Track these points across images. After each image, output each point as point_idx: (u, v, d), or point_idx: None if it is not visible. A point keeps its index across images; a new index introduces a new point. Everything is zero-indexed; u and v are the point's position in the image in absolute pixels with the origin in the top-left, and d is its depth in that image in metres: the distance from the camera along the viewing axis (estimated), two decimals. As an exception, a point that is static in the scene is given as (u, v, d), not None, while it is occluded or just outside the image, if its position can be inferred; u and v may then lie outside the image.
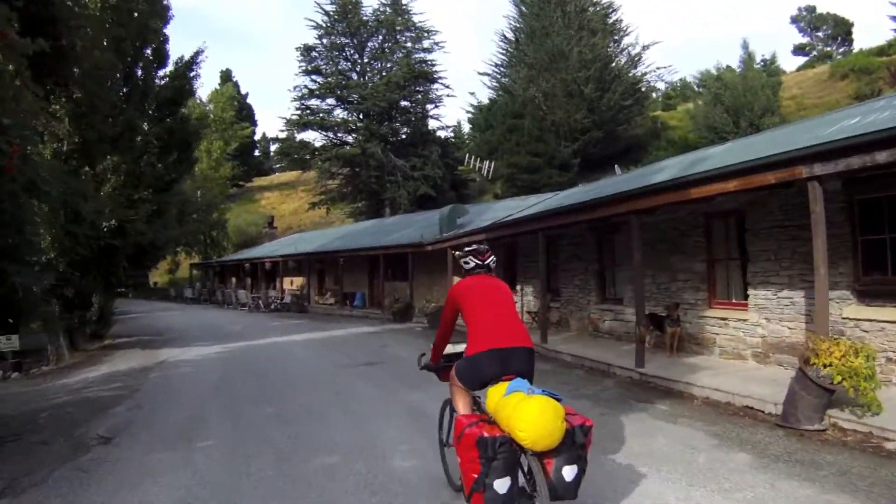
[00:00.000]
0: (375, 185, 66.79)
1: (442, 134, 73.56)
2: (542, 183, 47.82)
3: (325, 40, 71.53)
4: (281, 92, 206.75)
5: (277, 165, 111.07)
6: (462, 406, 5.92)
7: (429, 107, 71.97)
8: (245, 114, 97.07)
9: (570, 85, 53.13)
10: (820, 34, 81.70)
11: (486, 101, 67.92)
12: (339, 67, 72.49)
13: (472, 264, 6.27)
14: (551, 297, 24.11)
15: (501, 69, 68.27)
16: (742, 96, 45.42)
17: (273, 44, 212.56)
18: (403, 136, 71.01)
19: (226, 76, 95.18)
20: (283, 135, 73.87)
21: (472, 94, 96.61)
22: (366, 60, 73.28)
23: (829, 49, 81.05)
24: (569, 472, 4.88)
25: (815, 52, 79.61)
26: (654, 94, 70.75)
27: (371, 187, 67.29)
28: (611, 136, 55.36)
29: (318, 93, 71.45)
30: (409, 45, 72.04)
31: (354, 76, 71.98)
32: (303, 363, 19.40)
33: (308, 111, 71.40)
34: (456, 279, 21.66)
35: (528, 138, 50.45)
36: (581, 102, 52.83)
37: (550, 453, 4.87)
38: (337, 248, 42.33)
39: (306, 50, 72.14)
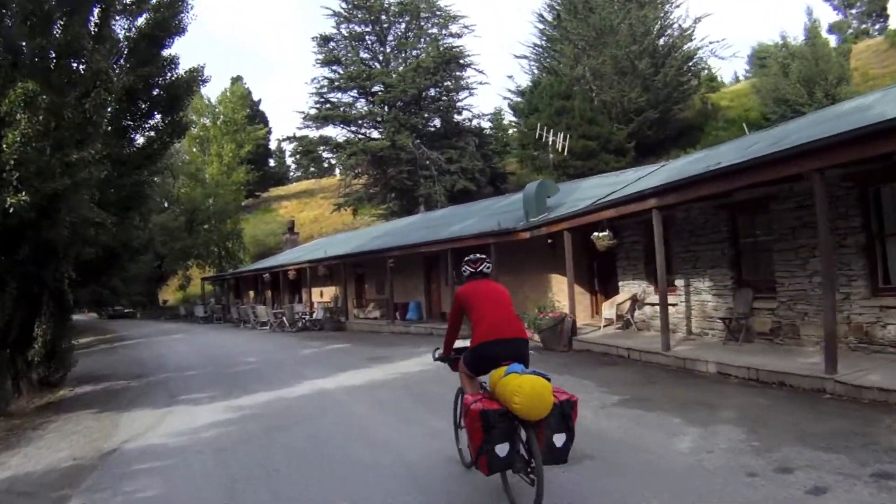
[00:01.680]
0: (408, 181, 57.18)
1: (477, 123, 64.18)
2: (597, 170, 40.30)
3: (343, 29, 62.73)
4: (295, 102, 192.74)
5: (294, 167, 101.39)
6: (469, 389, 6.73)
7: (461, 95, 63.11)
8: (258, 121, 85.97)
9: (622, 61, 46.36)
10: (853, 11, 76.56)
11: (525, 85, 58.82)
12: (360, 57, 63.19)
13: (469, 272, 7.03)
14: (754, 293, 15.28)
15: (541, 49, 59.74)
16: (814, 65, 40.62)
17: (286, 55, 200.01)
18: (435, 128, 62.15)
19: (236, 80, 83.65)
20: (300, 133, 62.66)
21: (509, 77, 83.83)
22: (388, 50, 64.15)
23: (865, 26, 75.93)
24: (559, 440, 5.63)
25: (850, 30, 72.81)
26: (708, 70, 62.26)
27: (403, 184, 57.61)
28: (665, 118, 48.61)
29: (338, 84, 61.80)
30: (434, 30, 63.15)
31: (377, 66, 62.61)
32: (395, 455, 8.86)
33: (328, 105, 60.73)
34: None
35: (580, 120, 44.03)
36: (634, 80, 46.28)
37: (542, 424, 5.60)
38: (381, 246, 31.82)
39: (323, 40, 63.16)
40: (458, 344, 7.35)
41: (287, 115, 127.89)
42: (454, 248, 25.81)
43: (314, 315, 34.77)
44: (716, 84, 67.62)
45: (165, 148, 20.35)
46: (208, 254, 63.54)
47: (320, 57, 62.75)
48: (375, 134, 60.94)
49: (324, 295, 40.10)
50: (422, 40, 63.17)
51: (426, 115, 60.99)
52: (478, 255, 7.11)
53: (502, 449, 5.60)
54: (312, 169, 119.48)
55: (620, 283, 21.21)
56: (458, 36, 62.69)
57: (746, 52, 72.77)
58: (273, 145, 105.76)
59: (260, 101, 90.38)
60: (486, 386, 6.49)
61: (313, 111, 61.61)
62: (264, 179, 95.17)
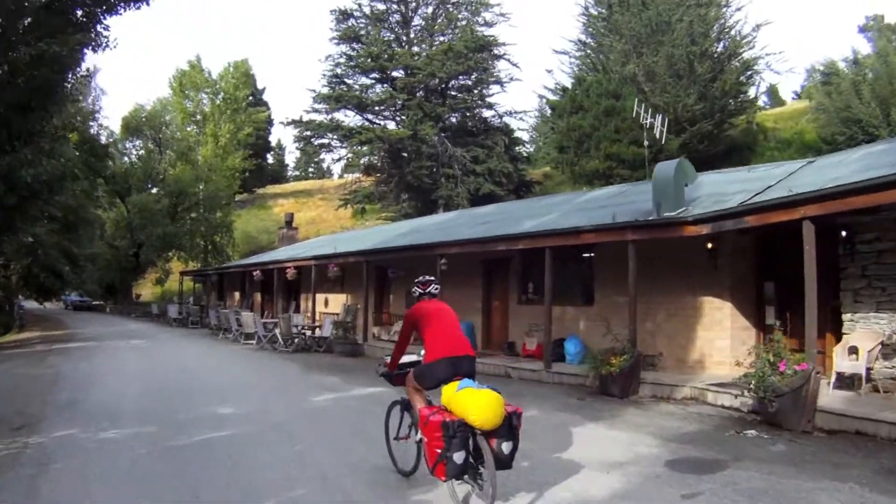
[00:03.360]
0: (428, 178, 47.95)
1: (507, 122, 54.57)
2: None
3: (364, 6, 53.69)
4: (299, 98, 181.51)
5: (292, 165, 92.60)
6: (420, 402, 6.90)
7: (492, 89, 53.87)
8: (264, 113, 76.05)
9: (678, 62, 38.84)
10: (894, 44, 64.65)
11: (565, 82, 49.66)
12: (382, 37, 54.08)
13: (418, 292, 7.35)
14: None
15: (586, 44, 50.33)
16: (888, 84, 33.93)
17: (293, 45, 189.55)
18: (461, 122, 53.12)
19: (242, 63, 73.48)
20: (307, 117, 52.77)
21: (548, 72, 72.31)
22: (412, 35, 55.36)
23: (905, 58, 64.77)
24: (506, 447, 6.04)
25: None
26: (761, 84, 51.77)
27: (422, 182, 48.16)
28: (717, 132, 40.28)
29: (357, 63, 52.81)
30: (465, 16, 54.25)
31: (400, 49, 53.45)
32: None
33: (342, 85, 50.86)
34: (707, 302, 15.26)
35: (631, 123, 35.85)
36: (690, 85, 38.81)
37: (493, 433, 5.98)
38: (425, 241, 22.91)
39: (342, 15, 53.67)
40: (403, 359, 7.51)
41: (291, 108, 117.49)
42: (557, 247, 16.78)
43: (320, 331, 24.49)
44: (757, 104, 57.89)
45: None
46: (192, 246, 54.13)
47: (337, 33, 53.06)
48: (392, 126, 52.04)
49: (329, 304, 30.18)
50: (451, 26, 54.53)
51: (452, 107, 51.75)
52: (427, 277, 7.44)
53: (459, 457, 5.88)
54: (311, 169, 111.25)
55: (850, 317, 12.80)
56: (491, 25, 54.03)
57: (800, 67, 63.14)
58: (273, 140, 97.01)
59: (264, 89, 79.97)
60: (430, 399, 6.81)
61: (326, 90, 51.83)
62: (261, 175, 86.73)
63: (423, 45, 54.66)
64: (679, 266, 15.59)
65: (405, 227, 31.63)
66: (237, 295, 41.63)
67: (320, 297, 30.17)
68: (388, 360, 7.71)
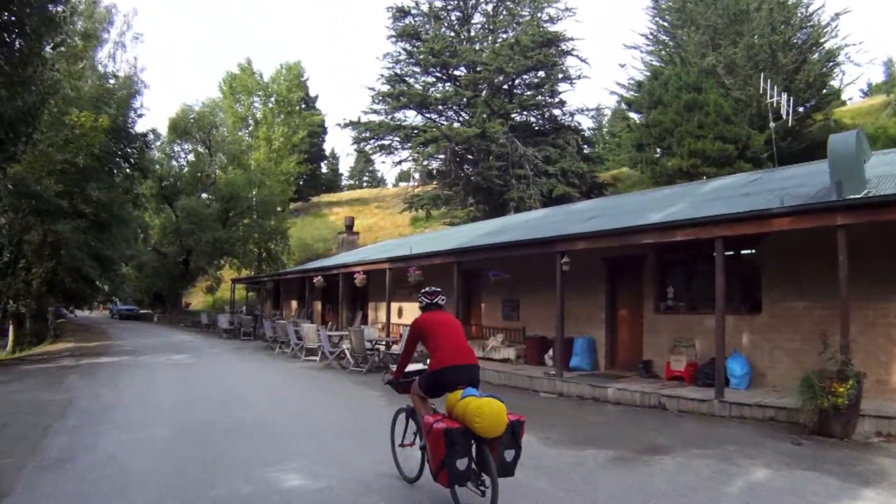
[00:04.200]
0: (498, 180, 43.76)
1: (578, 121, 53.25)
2: (734, 181, 27.02)
3: (421, 3, 50.10)
4: (354, 107, 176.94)
5: (347, 174, 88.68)
6: (424, 410, 6.94)
7: (561, 86, 49.49)
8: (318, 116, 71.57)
9: (759, 53, 36.19)
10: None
11: (638, 78, 46.26)
12: (442, 33, 50.19)
13: (425, 303, 7.10)
14: None
15: (659, 37, 46.79)
16: None
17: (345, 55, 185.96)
18: (530, 121, 49.49)
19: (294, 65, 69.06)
20: (365, 118, 48.51)
21: (622, 66, 66.67)
22: (472, 33, 51.32)
23: None
24: (509, 455, 5.97)
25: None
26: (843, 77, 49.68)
27: (492, 184, 43.98)
28: (799, 128, 37.04)
29: (418, 59, 49.21)
30: (527, 12, 50.04)
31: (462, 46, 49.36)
32: None
33: (403, 84, 46.63)
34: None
35: (715, 117, 33.48)
36: (774, 77, 34.50)
37: (496, 441, 5.90)
38: (540, 237, 17.55)
39: (399, 12, 50.11)
40: (408, 368, 7.50)
41: (345, 115, 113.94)
42: (725, 238, 12.27)
43: (398, 346, 19.74)
44: (841, 97, 52.49)
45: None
46: (245, 253, 49.78)
47: (395, 31, 48.84)
48: (456, 125, 47.85)
49: (404, 314, 25.49)
50: (513, 22, 50.41)
51: (521, 104, 47.49)
52: (433, 289, 7.21)
53: (462, 463, 5.84)
54: (366, 178, 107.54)
55: None
56: (555, 21, 49.76)
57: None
58: (327, 149, 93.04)
59: (317, 97, 75.87)
60: (435, 407, 6.84)
61: (385, 88, 47.56)
62: (315, 183, 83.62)
63: (485, 43, 50.63)
64: (872, 263, 11.51)
65: (489, 226, 26.84)
66: (294, 304, 37.04)
67: (394, 305, 25.40)
68: (395, 368, 7.63)
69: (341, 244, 41.51)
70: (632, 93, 45.25)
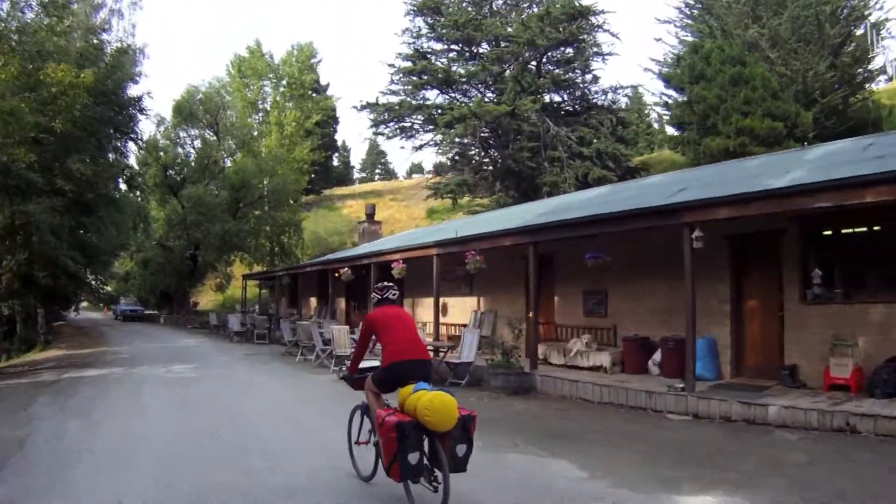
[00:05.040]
0: (530, 162, 39.56)
1: (613, 99, 45.65)
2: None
3: None
4: (367, 94, 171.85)
5: (359, 167, 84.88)
6: (377, 404, 6.63)
7: (593, 64, 44.95)
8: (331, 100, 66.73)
9: (804, 24, 33.17)
10: None
11: (675, 53, 42.71)
12: (465, 7, 45.35)
13: (377, 298, 7.11)
14: None
15: (693, 10, 42.80)
16: None
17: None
18: (563, 100, 45.08)
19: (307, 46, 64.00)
20: (384, 99, 44.14)
21: (657, 40, 60.54)
22: (496, 7, 46.46)
23: None
24: (461, 450, 5.89)
25: None
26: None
27: (524, 166, 39.72)
28: (843, 106, 33.70)
29: (440, 33, 44.34)
30: None
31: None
32: None
33: (424, 60, 42.39)
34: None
35: (763, 93, 30.17)
36: (820, 51, 33.03)
37: (447, 436, 5.80)
38: (661, 204, 13.01)
39: None
40: (363, 364, 7.37)
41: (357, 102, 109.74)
42: None
43: (456, 353, 15.30)
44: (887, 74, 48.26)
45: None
46: (257, 247, 45.57)
47: (414, 4, 44.17)
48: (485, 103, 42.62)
49: (449, 312, 21.03)
50: (538, -2, 45.35)
51: (554, 81, 42.88)
52: (385, 284, 7.24)
53: (414, 457, 5.75)
54: (378, 170, 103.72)
55: None
56: None
57: None
58: (339, 141, 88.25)
59: (328, 85, 70.69)
60: (388, 402, 6.63)
61: (407, 66, 43.01)
62: (327, 176, 78.90)
63: (510, 17, 46.05)
64: None
65: (545, 206, 22.33)
66: (314, 301, 32.58)
67: (443, 301, 21.05)
68: (350, 363, 7.56)
69: (362, 234, 37.31)
70: (668, 69, 41.13)
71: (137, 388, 15.03)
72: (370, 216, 37.66)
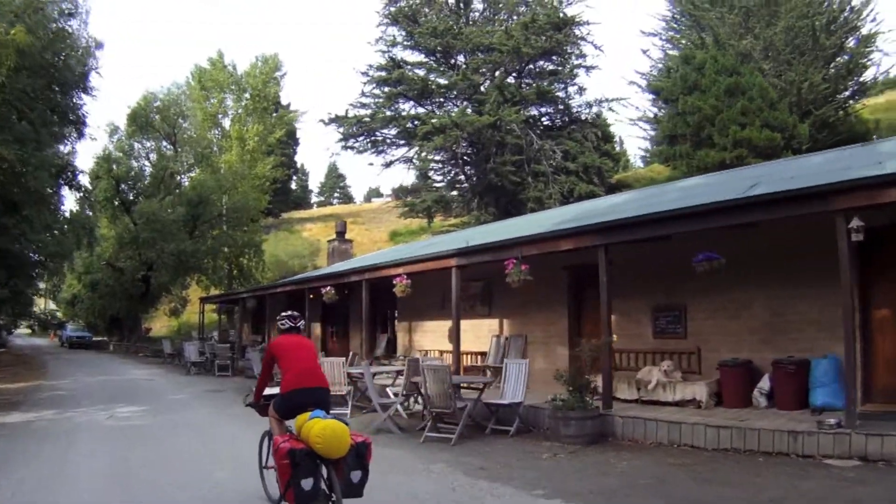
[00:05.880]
0: (514, 177, 36.60)
1: (596, 113, 41.96)
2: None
3: None
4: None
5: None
6: (278, 431, 6.58)
7: (578, 77, 42.21)
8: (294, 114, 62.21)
9: (798, 34, 32.17)
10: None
11: (659, 65, 41.24)
12: (443, 15, 42.12)
13: (287, 325, 6.94)
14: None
15: (679, 22, 41.16)
16: None
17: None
18: (544, 112, 42.05)
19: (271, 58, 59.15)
20: (354, 112, 40.28)
21: (644, 52, 57.53)
22: (472, 17, 43.35)
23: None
24: (355, 476, 5.73)
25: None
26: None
27: (507, 181, 36.66)
28: (835, 119, 32.79)
29: (416, 41, 40.92)
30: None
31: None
32: None
33: (399, 69, 39.24)
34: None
35: (761, 103, 28.75)
36: (815, 62, 32.00)
37: (341, 462, 5.68)
38: (809, 185, 8.89)
39: None
40: (267, 391, 7.24)
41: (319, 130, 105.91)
42: None
43: (504, 392, 11.34)
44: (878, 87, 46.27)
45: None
46: (215, 269, 41.12)
47: (389, 11, 40.74)
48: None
49: (464, 338, 16.65)
50: (520, 4, 42.59)
51: (539, 92, 39.16)
52: (294, 313, 7.17)
53: (307, 483, 5.59)
54: (337, 194, 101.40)
55: None
56: (565, 5, 41.79)
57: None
58: (298, 163, 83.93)
59: (289, 104, 65.54)
60: (292, 429, 6.49)
61: (381, 75, 39.28)
62: (286, 198, 74.54)
63: (489, 27, 42.47)
64: None
65: (560, 215, 18.35)
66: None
67: (441, 324, 16.94)
68: (255, 390, 7.35)
69: (332, 253, 33.01)
70: (657, 81, 38.49)
71: (67, 444, 10.69)
72: (341, 234, 33.55)
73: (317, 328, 24.47)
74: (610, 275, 11.08)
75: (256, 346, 25.23)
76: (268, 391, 7.18)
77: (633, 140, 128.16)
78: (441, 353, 16.98)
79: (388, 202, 46.46)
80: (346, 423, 5.84)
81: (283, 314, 7.22)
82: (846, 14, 33.78)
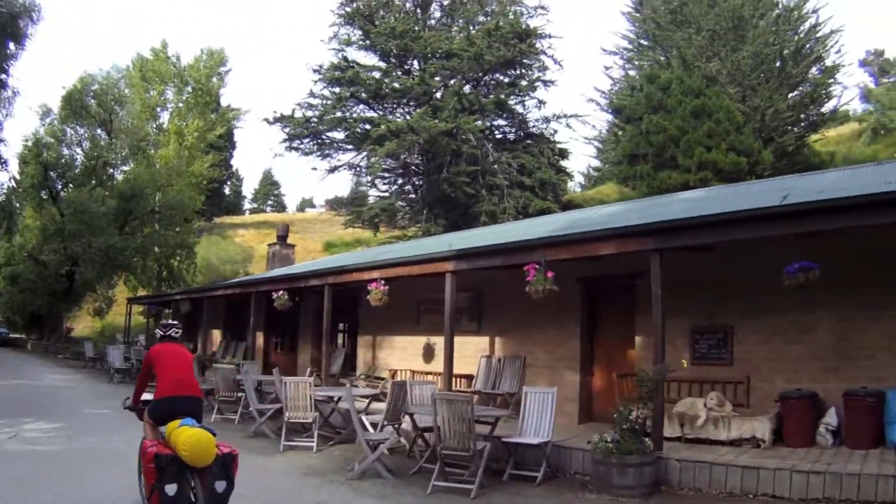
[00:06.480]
0: (468, 188, 34.17)
1: (553, 129, 40.01)
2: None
3: None
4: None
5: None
6: (151, 436, 6.31)
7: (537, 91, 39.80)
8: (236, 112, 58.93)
9: (765, 60, 31.79)
10: (889, 80, 55.28)
11: (617, 85, 41.51)
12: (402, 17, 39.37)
13: (161, 334, 6.93)
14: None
15: (640, 43, 40.64)
16: None
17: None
18: (500, 124, 39.88)
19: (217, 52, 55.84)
20: (300, 113, 37.77)
21: (606, 69, 55.58)
22: (428, 30, 40.05)
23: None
24: (220, 486, 5.60)
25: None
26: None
27: (461, 192, 34.23)
28: (796, 147, 32.37)
29: (373, 42, 38.18)
30: (494, 7, 40.17)
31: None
32: None
33: (352, 69, 37.51)
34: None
35: (727, 126, 27.80)
36: (780, 89, 31.52)
37: (206, 471, 5.57)
38: None
39: None
40: (146, 396, 7.02)
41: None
42: None
43: (523, 428, 8.99)
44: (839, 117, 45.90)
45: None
46: (144, 269, 38.02)
47: (345, 11, 38.30)
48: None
49: (436, 357, 14.31)
50: (481, 13, 40.34)
51: (496, 103, 37.10)
52: (170, 322, 7.24)
53: (171, 489, 5.51)
54: (271, 202, 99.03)
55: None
56: (525, 15, 39.80)
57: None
58: (234, 166, 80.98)
59: (229, 106, 62.11)
60: (163, 434, 6.25)
61: (335, 75, 36.76)
62: (219, 202, 70.79)
63: (449, 33, 40.15)
64: None
65: (549, 223, 16.08)
66: (218, 335, 25.15)
67: (414, 340, 14.44)
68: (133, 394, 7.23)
69: (272, 258, 30.24)
70: (619, 99, 37.69)
71: None
72: (282, 238, 30.87)
73: (259, 338, 21.54)
74: (640, 290, 8.95)
75: (196, 356, 22.30)
76: (146, 396, 7.02)
77: (581, 159, 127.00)
78: (413, 373, 14.50)
79: (322, 212, 44.14)
80: (213, 433, 5.73)
81: (162, 322, 7.45)
82: (811, 44, 33.34)
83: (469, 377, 13.33)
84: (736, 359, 9.95)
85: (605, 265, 10.47)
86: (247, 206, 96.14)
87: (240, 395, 13.62)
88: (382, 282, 12.37)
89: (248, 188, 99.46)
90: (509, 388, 12.24)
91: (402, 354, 15.30)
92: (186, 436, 5.58)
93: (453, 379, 12.62)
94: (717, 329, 10.23)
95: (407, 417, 9.59)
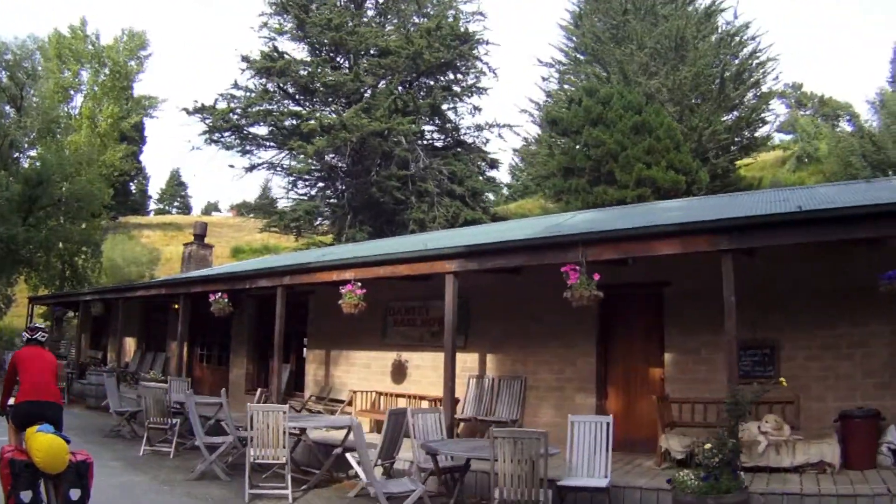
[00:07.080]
0: (399, 194, 32.69)
1: (485, 139, 39.89)
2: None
3: None
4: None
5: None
6: (13, 440, 6.37)
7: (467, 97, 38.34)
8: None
9: (705, 81, 31.90)
10: (805, 113, 58.25)
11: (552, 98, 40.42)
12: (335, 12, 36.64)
13: (27, 338, 6.94)
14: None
15: (580, 56, 39.83)
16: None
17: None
18: (431, 129, 38.31)
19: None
20: (222, 104, 35.15)
21: (544, 80, 53.38)
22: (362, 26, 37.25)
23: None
24: (74, 494, 5.56)
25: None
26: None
27: (390, 197, 32.76)
28: (725, 171, 32.23)
29: (306, 34, 36.06)
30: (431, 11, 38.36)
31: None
32: None
33: (283, 60, 35.04)
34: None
35: (668, 143, 27.38)
36: (718, 111, 32.01)
37: (60, 478, 5.55)
38: None
39: None
40: (12, 401, 6.98)
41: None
42: None
43: (573, 467, 7.23)
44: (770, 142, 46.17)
45: None
46: (47, 265, 33.93)
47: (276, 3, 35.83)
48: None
49: (409, 377, 12.18)
50: (418, 14, 38.58)
51: (431, 106, 35.62)
52: (36, 325, 7.37)
53: (26, 495, 5.48)
54: (177, 203, 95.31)
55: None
56: (462, 23, 38.02)
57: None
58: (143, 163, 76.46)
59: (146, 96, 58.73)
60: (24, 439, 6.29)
61: (264, 64, 34.26)
62: (124, 200, 66.72)
63: (384, 31, 38.27)
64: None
65: (528, 225, 14.23)
66: (131, 344, 22.14)
67: (380, 356, 12.31)
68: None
69: (188, 259, 27.24)
70: (551, 109, 37.25)
71: None
72: (200, 237, 28.21)
73: (183, 348, 18.74)
74: (670, 300, 7.23)
75: (101, 366, 19.51)
76: (12, 400, 6.91)
77: (504, 171, 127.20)
78: (379, 395, 12.26)
79: (229, 217, 41.62)
80: (67, 440, 5.67)
81: (28, 325, 7.58)
82: (750, 69, 33.99)
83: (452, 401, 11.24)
84: (784, 376, 8.56)
85: (626, 271, 8.93)
86: (152, 206, 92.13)
87: (174, 420, 11.13)
88: (359, 284, 10.16)
89: (154, 188, 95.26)
90: (508, 413, 10.28)
91: (363, 373, 13.05)
92: (39, 442, 5.53)
93: (427, 402, 10.59)
94: (762, 344, 9.23)
95: (412, 452, 7.48)
